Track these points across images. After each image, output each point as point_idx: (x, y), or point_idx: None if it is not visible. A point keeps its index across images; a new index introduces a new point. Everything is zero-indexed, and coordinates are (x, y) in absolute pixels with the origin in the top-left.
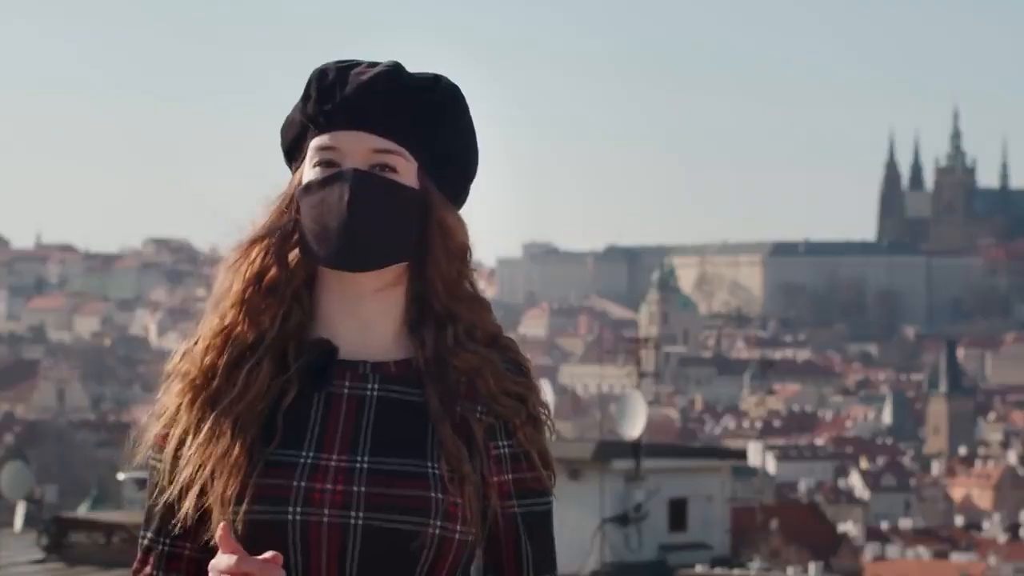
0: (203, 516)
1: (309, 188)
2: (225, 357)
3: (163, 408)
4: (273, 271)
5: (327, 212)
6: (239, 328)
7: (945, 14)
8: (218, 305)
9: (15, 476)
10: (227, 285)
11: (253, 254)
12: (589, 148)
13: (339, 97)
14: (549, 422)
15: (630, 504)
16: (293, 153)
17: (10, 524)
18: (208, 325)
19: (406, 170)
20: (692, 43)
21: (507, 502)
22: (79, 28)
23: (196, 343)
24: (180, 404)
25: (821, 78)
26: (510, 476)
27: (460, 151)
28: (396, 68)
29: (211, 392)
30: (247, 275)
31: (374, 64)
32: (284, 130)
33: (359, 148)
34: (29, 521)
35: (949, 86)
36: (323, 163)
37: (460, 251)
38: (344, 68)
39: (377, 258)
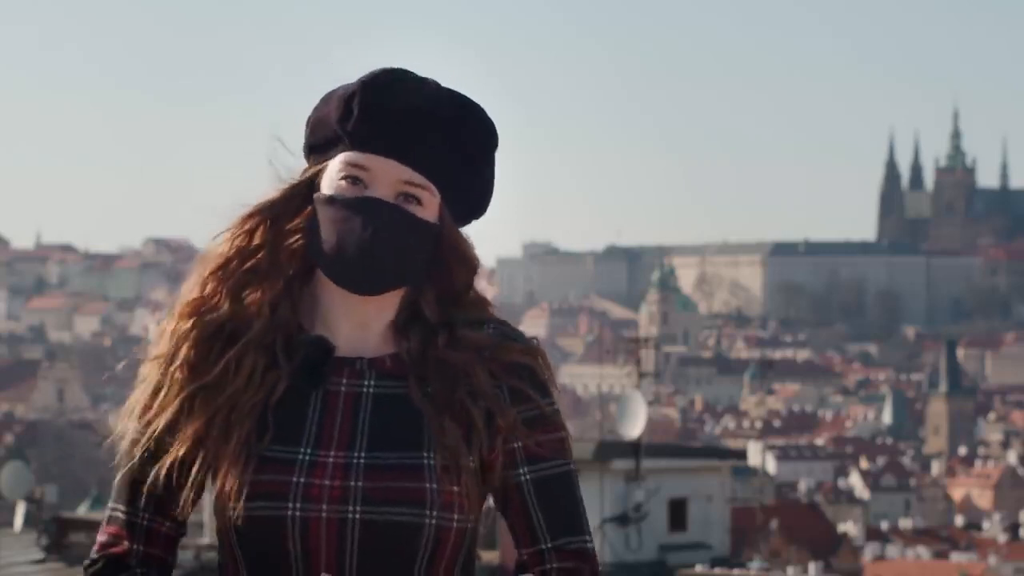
0: (179, 494)
1: (333, 201)
2: (208, 335)
3: (145, 379)
4: (262, 251)
5: (348, 235)
6: (217, 299)
7: (945, 14)
8: (203, 271)
9: (15, 476)
10: (214, 254)
11: (246, 227)
12: (589, 148)
13: (381, 121)
14: (553, 385)
15: (630, 504)
16: (317, 150)
17: (10, 524)
18: (190, 292)
19: (429, 203)
20: (692, 43)
21: (516, 470)
22: (79, 28)
23: (176, 313)
24: (163, 382)
25: (821, 78)
26: (517, 444)
27: (483, 185)
28: (438, 95)
29: (197, 375)
30: (234, 248)
31: (418, 81)
32: (314, 127)
33: (390, 176)
34: (29, 521)
35: (949, 86)
36: (350, 179)
37: (470, 272)
38: (387, 85)
39: (387, 286)
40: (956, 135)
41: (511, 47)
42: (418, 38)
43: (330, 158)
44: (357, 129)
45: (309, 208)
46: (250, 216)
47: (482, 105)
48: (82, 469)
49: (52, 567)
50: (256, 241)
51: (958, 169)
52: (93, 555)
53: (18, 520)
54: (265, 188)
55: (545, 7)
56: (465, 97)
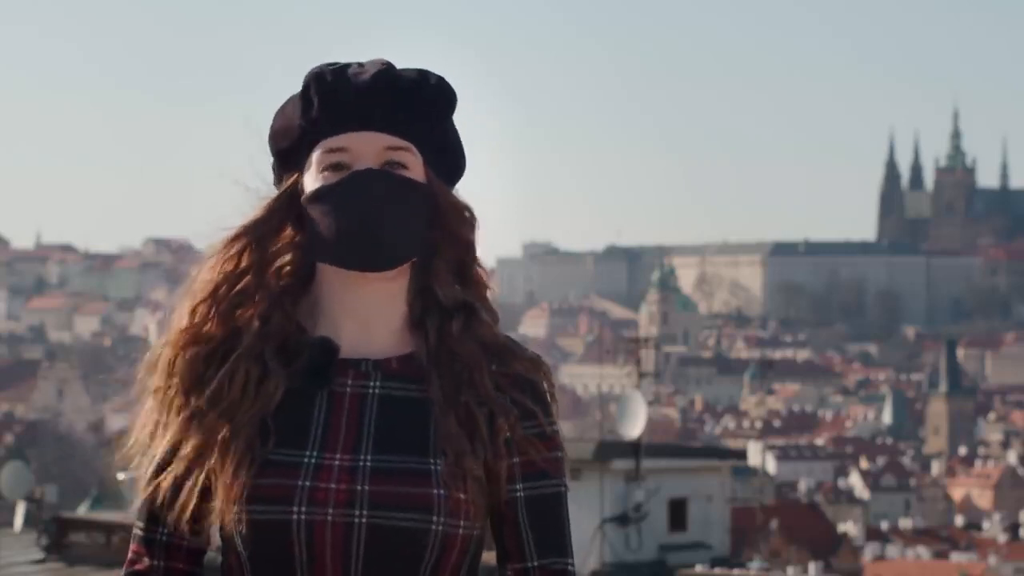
0: (202, 508)
1: (321, 193)
2: (201, 357)
3: (148, 408)
4: (249, 274)
5: (347, 215)
6: (209, 327)
7: (945, 14)
8: (193, 299)
9: (15, 476)
10: (202, 280)
11: (232, 251)
12: (589, 148)
13: (343, 99)
14: (555, 404)
15: (630, 504)
16: (288, 159)
17: (10, 524)
18: (179, 322)
19: (414, 165)
20: (692, 43)
21: (512, 485)
22: (79, 28)
23: (167, 342)
24: (166, 403)
25: (821, 78)
26: (516, 459)
27: (454, 144)
28: (391, 66)
29: (196, 393)
30: (221, 274)
31: (363, 64)
32: (278, 136)
33: (370, 148)
34: (29, 521)
35: (949, 86)
36: (332, 166)
37: (469, 226)
38: (339, 70)
39: (399, 257)
40: (956, 135)
41: (511, 47)
42: (418, 38)
43: (303, 164)
44: (322, 114)
45: (289, 226)
46: (235, 239)
47: (482, 103)
48: (82, 469)
49: (52, 567)
50: (243, 264)
51: (958, 169)
52: (122, 572)
53: (18, 520)
54: (246, 208)
55: (545, 7)
56: (415, 68)
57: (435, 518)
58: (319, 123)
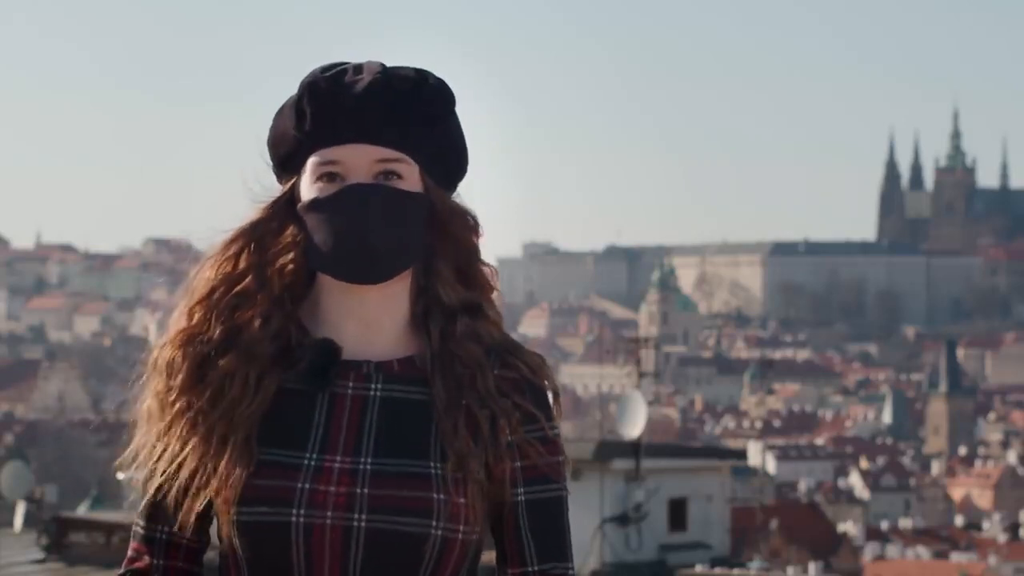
0: (206, 508)
1: (317, 205)
2: (201, 357)
3: (148, 409)
4: (249, 275)
5: (342, 229)
6: (208, 327)
7: (945, 14)
8: (190, 300)
9: (15, 476)
10: (200, 282)
11: (229, 253)
12: (589, 148)
13: (336, 111)
14: (557, 408)
15: (630, 504)
16: (285, 164)
17: (10, 524)
18: (178, 323)
19: (410, 174)
20: (692, 43)
21: (514, 490)
22: (79, 27)
23: (166, 343)
24: (167, 404)
25: (821, 78)
26: (518, 463)
27: (455, 144)
28: (386, 73)
29: (197, 393)
30: (220, 275)
31: (359, 68)
32: (275, 143)
33: (363, 160)
34: (29, 521)
35: (949, 86)
36: (326, 176)
37: (471, 229)
38: (333, 78)
39: (395, 269)
40: (956, 135)
41: (511, 47)
42: (418, 38)
43: (300, 169)
44: (315, 127)
45: (291, 227)
46: (233, 240)
47: (482, 103)
48: (82, 469)
49: (52, 567)
50: (241, 266)
51: (958, 169)
52: (120, 570)
53: (18, 520)
54: (245, 210)
55: (545, 7)
56: (411, 67)
57: (435, 523)
58: (313, 135)
